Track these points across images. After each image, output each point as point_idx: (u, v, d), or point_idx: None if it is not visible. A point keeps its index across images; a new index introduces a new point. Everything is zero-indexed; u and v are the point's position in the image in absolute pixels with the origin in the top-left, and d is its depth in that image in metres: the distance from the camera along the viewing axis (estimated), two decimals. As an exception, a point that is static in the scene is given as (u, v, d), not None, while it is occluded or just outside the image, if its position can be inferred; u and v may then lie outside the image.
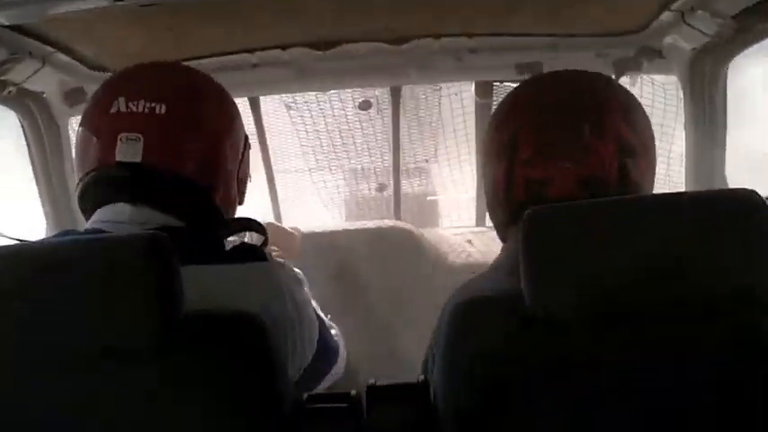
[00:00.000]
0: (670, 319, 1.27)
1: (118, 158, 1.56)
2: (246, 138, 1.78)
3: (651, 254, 1.25)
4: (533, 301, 1.27)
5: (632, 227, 1.27)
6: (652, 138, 1.66)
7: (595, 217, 1.29)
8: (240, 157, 1.74)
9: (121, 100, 1.58)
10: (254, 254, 1.68)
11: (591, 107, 1.60)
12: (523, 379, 1.27)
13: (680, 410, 1.27)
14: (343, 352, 1.98)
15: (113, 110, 1.58)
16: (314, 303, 1.85)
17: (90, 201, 1.64)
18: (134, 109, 1.57)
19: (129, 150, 1.56)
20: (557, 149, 1.58)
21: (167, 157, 1.59)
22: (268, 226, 2.15)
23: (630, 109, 1.63)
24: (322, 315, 1.89)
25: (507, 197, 1.65)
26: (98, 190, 1.61)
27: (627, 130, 1.59)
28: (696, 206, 1.30)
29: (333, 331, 1.97)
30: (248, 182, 1.83)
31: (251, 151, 1.81)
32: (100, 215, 1.61)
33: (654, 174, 1.67)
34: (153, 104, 1.58)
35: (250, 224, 1.78)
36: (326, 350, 1.83)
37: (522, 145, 1.61)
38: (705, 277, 1.25)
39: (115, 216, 1.59)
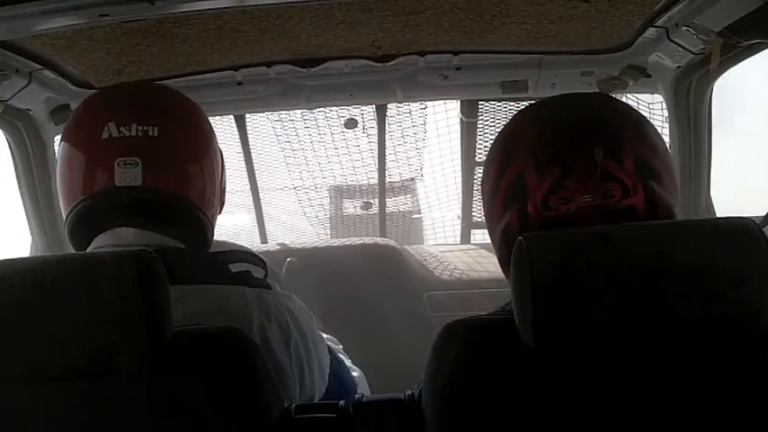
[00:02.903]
0: (661, 354, 1.26)
1: (118, 183, 1.56)
2: (220, 149, 1.79)
3: (644, 284, 1.23)
4: (523, 329, 1.27)
5: (625, 256, 1.25)
6: (670, 156, 1.51)
7: (587, 246, 1.27)
8: (221, 169, 1.75)
9: (112, 125, 1.57)
10: (258, 282, 1.69)
11: (600, 127, 1.43)
12: (510, 405, 1.27)
13: None
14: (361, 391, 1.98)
15: (105, 135, 1.56)
16: (331, 344, 1.86)
17: (87, 226, 1.62)
18: (127, 133, 1.56)
19: (128, 175, 1.55)
20: (572, 183, 1.38)
21: (166, 179, 1.58)
22: None
23: (644, 124, 1.47)
24: (341, 356, 1.93)
25: None
26: (98, 215, 1.60)
27: (645, 149, 1.43)
28: (693, 236, 1.27)
29: (355, 373, 2.00)
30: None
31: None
32: (102, 240, 1.60)
33: (677, 197, 1.48)
34: (145, 127, 1.57)
35: (250, 256, 1.76)
36: (339, 388, 1.84)
37: (531, 186, 1.41)
38: (699, 310, 1.23)
39: (118, 240, 1.58)
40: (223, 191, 1.79)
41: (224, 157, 1.78)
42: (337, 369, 1.85)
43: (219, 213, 1.79)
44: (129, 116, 1.58)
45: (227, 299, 1.58)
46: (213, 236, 1.72)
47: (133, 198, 1.56)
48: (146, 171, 1.56)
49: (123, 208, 1.57)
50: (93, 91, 2.53)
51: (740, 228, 1.25)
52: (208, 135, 1.71)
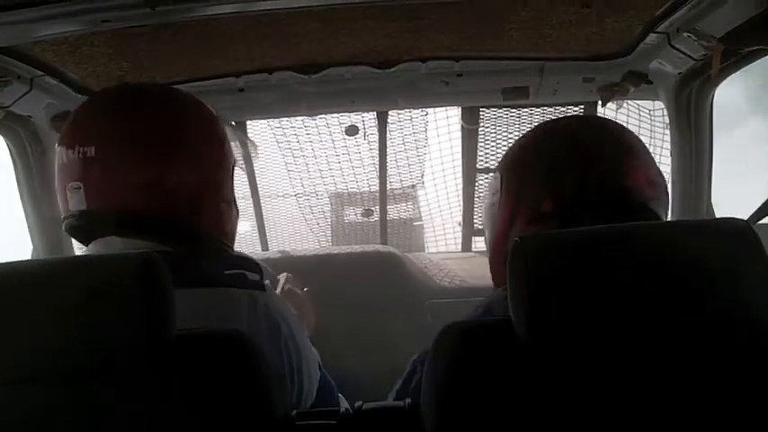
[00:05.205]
0: (656, 350, 1.27)
1: (71, 208, 1.60)
2: (226, 146, 1.74)
3: (639, 283, 1.24)
4: (518, 327, 1.27)
5: (621, 256, 1.26)
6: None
7: (584, 245, 1.29)
8: (201, 164, 1.67)
9: (62, 150, 1.60)
10: (252, 284, 1.66)
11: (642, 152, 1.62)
12: (510, 405, 1.27)
13: None
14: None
15: (59, 161, 1.61)
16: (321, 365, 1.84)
17: (78, 239, 1.68)
18: (72, 157, 1.58)
19: (76, 200, 1.59)
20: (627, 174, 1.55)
21: (108, 198, 1.58)
22: (286, 293, 2.16)
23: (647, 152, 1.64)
24: (327, 376, 1.89)
25: None
26: (80, 232, 1.65)
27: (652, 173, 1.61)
28: (686, 236, 1.29)
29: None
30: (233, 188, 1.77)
31: (238, 177, 1.77)
32: (94, 248, 1.63)
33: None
34: (84, 149, 1.57)
35: (245, 262, 1.71)
36: (325, 396, 1.82)
37: (592, 160, 1.57)
38: (694, 306, 1.25)
39: (107, 248, 1.59)
40: (210, 187, 1.69)
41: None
42: (323, 385, 1.82)
43: (234, 213, 1.76)
44: (72, 139, 1.60)
45: (215, 300, 1.56)
46: (207, 236, 1.68)
47: (82, 222, 1.60)
48: (88, 194, 1.57)
49: (96, 224, 1.60)
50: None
51: (731, 227, 1.29)
52: (169, 137, 1.64)
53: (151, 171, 1.58)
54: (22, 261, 1.33)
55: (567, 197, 1.56)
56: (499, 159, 3.56)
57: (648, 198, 1.56)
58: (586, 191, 1.54)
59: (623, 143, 1.61)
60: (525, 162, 1.67)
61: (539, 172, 1.61)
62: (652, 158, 1.63)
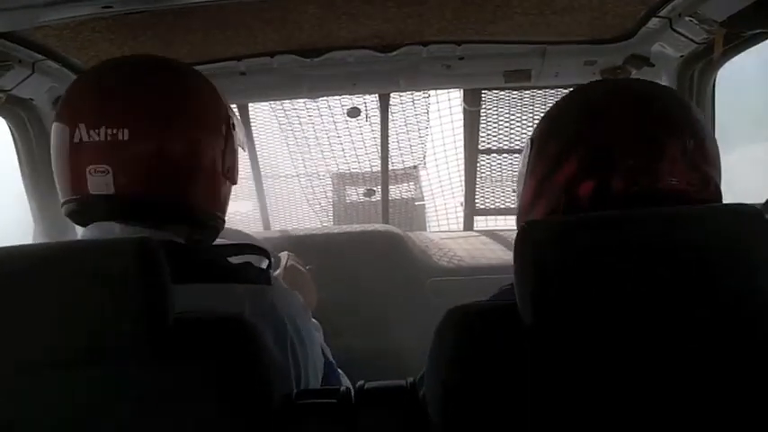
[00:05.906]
0: (663, 335, 1.26)
1: (91, 191, 1.51)
2: (227, 119, 1.66)
3: (648, 268, 1.23)
4: (525, 312, 1.27)
5: (629, 241, 1.25)
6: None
7: (591, 230, 1.27)
8: (223, 149, 1.62)
9: (82, 127, 1.50)
10: (257, 276, 1.63)
11: (690, 122, 1.46)
12: (515, 390, 1.27)
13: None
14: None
15: (76, 139, 1.50)
16: (324, 345, 1.83)
17: (76, 222, 1.62)
18: (96, 138, 1.49)
19: (100, 183, 1.50)
20: (665, 165, 1.40)
21: (140, 184, 1.51)
22: (289, 269, 2.13)
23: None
24: (330, 358, 1.86)
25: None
26: (84, 215, 1.58)
27: (715, 146, 1.48)
28: (697, 221, 1.28)
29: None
30: (237, 162, 1.71)
31: (240, 158, 1.72)
32: (91, 232, 1.57)
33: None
34: (114, 130, 1.48)
35: (253, 249, 1.70)
36: (328, 375, 1.80)
37: (620, 156, 1.42)
38: (704, 292, 1.24)
39: (105, 233, 1.54)
40: (230, 169, 1.65)
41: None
42: (328, 372, 1.81)
43: (234, 183, 1.70)
44: (98, 117, 1.50)
45: (215, 299, 1.51)
46: (215, 225, 1.65)
47: (106, 208, 1.53)
48: (117, 178, 1.49)
49: (102, 210, 1.54)
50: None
51: (739, 212, 1.27)
52: (199, 121, 1.59)
53: (144, 150, 1.51)
54: (19, 245, 1.33)
55: (585, 207, 1.46)
56: (501, 140, 3.59)
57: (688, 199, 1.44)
58: (608, 198, 1.44)
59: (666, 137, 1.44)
60: (550, 149, 1.54)
61: (559, 171, 1.50)
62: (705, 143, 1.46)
